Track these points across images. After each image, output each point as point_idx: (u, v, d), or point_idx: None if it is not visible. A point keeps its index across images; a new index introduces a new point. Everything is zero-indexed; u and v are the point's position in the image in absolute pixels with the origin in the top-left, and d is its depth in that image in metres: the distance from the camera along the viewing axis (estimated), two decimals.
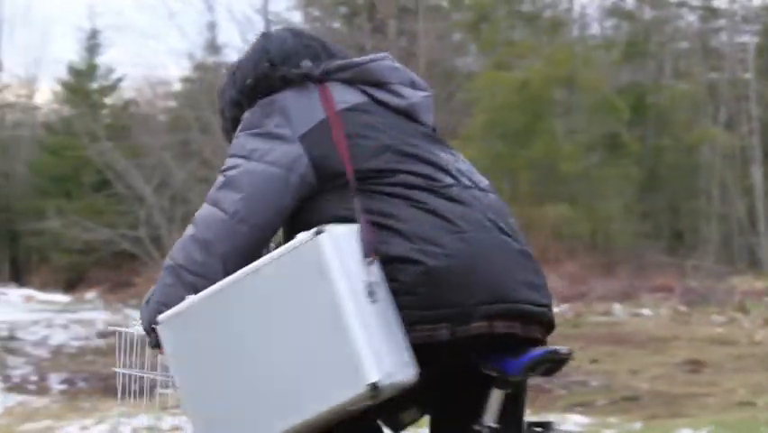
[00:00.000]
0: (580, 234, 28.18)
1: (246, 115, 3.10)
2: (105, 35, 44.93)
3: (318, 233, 2.79)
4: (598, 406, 10.82)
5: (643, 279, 23.94)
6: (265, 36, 3.33)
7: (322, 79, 3.10)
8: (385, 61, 3.20)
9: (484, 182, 3.17)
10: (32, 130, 50.09)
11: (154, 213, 31.10)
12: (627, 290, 22.32)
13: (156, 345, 3.04)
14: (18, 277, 43.77)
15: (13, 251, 43.62)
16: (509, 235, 3.05)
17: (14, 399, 10.06)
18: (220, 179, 3.03)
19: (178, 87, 38.13)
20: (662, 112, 32.42)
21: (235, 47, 40.51)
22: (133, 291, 30.43)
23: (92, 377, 11.39)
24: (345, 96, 3.09)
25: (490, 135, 28.29)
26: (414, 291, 2.89)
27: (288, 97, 3.08)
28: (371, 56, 3.21)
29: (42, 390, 10.75)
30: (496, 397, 2.95)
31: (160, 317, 2.96)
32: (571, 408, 10.50)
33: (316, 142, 3.00)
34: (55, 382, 11.32)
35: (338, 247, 2.82)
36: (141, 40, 44.62)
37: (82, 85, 45.02)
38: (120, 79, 45.03)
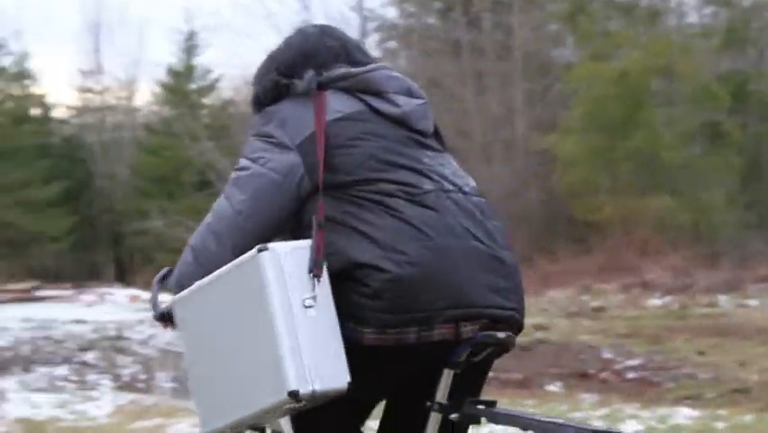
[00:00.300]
0: (682, 225, 27.80)
1: (255, 119, 3.39)
2: (202, 36, 45.34)
3: (261, 250, 3.06)
4: (707, 399, 10.67)
5: (748, 269, 23.56)
6: (293, 34, 3.57)
7: (323, 87, 3.32)
8: (382, 71, 3.40)
9: (469, 185, 3.36)
10: (132, 131, 50.82)
11: None
12: (732, 281, 21.99)
13: (161, 318, 3.44)
14: (123, 277, 44.47)
15: (118, 251, 44.31)
16: (481, 240, 3.22)
17: (125, 397, 10.20)
18: (233, 175, 3.32)
19: None
20: (764, 99, 31.84)
21: None
22: None
23: None
24: (342, 105, 3.30)
25: (589, 127, 28.06)
26: (381, 297, 3.09)
27: (287, 108, 3.33)
28: (371, 66, 3.40)
29: (151, 388, 10.89)
30: (446, 377, 3.19)
31: (175, 298, 3.33)
32: (679, 401, 10.36)
33: (309, 151, 3.23)
34: (163, 380, 11.46)
35: (277, 264, 3.06)
36: (237, 39, 44.75)
37: (181, 86, 45.63)
38: (218, 80, 45.54)
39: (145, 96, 52.62)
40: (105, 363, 12.97)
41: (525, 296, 3.37)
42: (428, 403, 3.23)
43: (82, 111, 50.29)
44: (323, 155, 3.20)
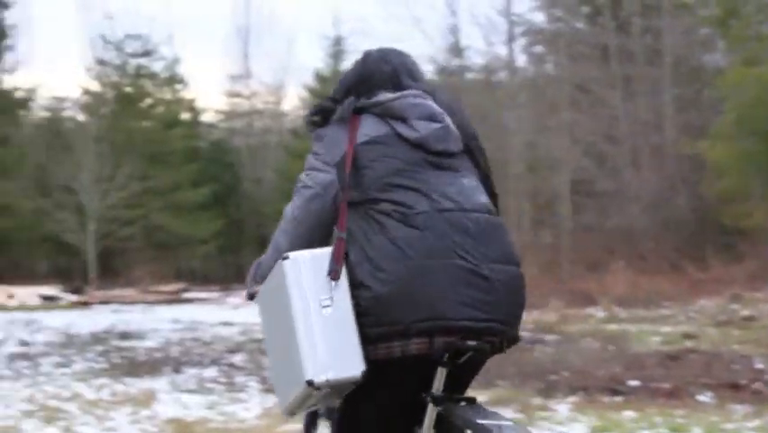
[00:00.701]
0: None
1: (313, 137, 3.89)
2: (349, 41, 45.63)
3: (284, 258, 3.60)
4: None
5: None
6: (360, 57, 4.09)
7: (361, 112, 3.79)
8: (407, 99, 3.79)
9: (473, 202, 3.70)
10: (279, 136, 51.55)
11: None
12: None
13: (250, 298, 3.94)
14: None
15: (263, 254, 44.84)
16: (465, 258, 3.55)
17: (272, 399, 10.27)
18: (297, 183, 3.82)
19: None
20: None
21: (478, 50, 40.66)
22: None
23: None
24: (371, 129, 3.76)
25: (741, 133, 27.38)
26: (368, 313, 3.53)
27: (330, 130, 3.84)
28: (399, 94, 3.81)
29: None
30: (439, 374, 3.59)
31: (258, 288, 3.86)
32: None
33: (342, 170, 3.71)
34: None
35: (296, 270, 3.58)
36: (384, 45, 44.89)
37: (327, 90, 46.02)
38: None
39: (292, 100, 53.39)
40: (252, 366, 13.09)
41: (522, 306, 3.71)
42: (423, 395, 3.63)
43: (230, 115, 51.21)
44: (348, 174, 3.69)
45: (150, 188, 40.93)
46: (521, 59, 36.67)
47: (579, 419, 8.66)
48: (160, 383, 11.37)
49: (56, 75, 69.77)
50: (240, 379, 11.76)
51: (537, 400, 9.66)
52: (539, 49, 36.01)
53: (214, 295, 33.67)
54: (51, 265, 47.94)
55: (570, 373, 10.95)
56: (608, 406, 9.34)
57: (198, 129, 49.86)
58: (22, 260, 48.51)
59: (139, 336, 17.73)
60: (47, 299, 31.81)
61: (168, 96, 48.57)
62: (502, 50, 35.35)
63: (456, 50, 37.41)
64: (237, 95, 50.16)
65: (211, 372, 12.38)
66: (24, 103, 44.78)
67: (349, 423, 3.79)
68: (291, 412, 3.72)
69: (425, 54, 31.27)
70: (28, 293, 32.16)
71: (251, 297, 3.93)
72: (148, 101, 48.21)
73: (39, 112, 47.50)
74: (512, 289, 3.64)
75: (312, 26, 76.43)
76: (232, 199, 45.75)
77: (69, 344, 16.26)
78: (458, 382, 3.72)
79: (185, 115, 49.57)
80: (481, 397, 9.64)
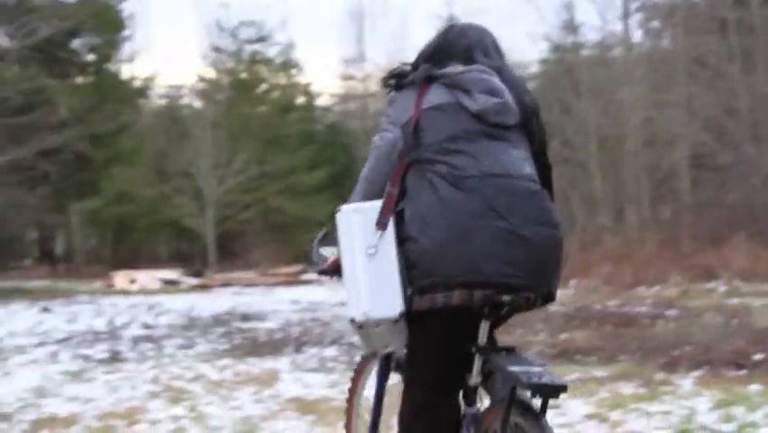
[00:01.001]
0: None
1: (388, 100, 4.32)
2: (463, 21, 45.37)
3: (336, 211, 4.12)
4: None
5: None
6: (442, 27, 4.53)
7: (431, 80, 4.19)
8: (473, 73, 4.16)
9: (522, 172, 4.06)
10: None
11: None
12: None
13: (322, 273, 4.44)
14: None
15: None
16: (508, 220, 3.91)
17: (393, 378, 10.32)
18: (371, 145, 4.28)
19: (536, 68, 38.08)
20: None
21: (593, 26, 40.18)
22: None
23: None
24: (437, 98, 4.15)
25: None
26: (416, 265, 3.97)
27: (402, 95, 4.25)
28: (466, 68, 4.19)
29: None
30: (483, 326, 4.04)
31: (324, 267, 4.42)
32: None
33: (406, 131, 4.14)
34: None
35: (347, 221, 4.10)
36: (497, 24, 44.53)
37: None
38: None
39: None
40: None
41: (558, 266, 4.07)
42: (472, 348, 4.09)
43: (345, 98, 51.40)
44: (410, 135, 4.12)
45: (267, 172, 41.31)
46: (637, 35, 36.17)
47: (702, 393, 8.53)
48: (281, 363, 11.50)
49: (172, 63, 70.72)
50: (360, 358, 11.81)
51: (660, 375, 9.55)
52: (655, 24, 35.42)
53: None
54: (171, 249, 48.72)
55: (693, 348, 10.80)
56: (733, 380, 9.20)
57: (313, 113, 50.18)
58: (143, 245, 49.34)
59: (259, 317, 17.95)
60: (168, 282, 32.33)
61: (283, 81, 48.97)
62: (617, 26, 34.95)
63: (571, 27, 37.00)
64: (351, 78, 50.32)
65: (331, 351, 12.48)
66: (143, 92, 45.52)
67: (409, 369, 4.21)
68: (367, 352, 4.51)
69: (540, 32, 30.93)
70: (149, 277, 32.74)
71: (323, 272, 4.42)
72: (263, 86, 48.65)
73: (157, 100, 48.31)
74: (549, 249, 4.01)
75: (425, 6, 76.09)
76: (347, 181, 45.90)
77: (191, 326, 16.55)
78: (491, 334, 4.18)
79: (300, 100, 49.94)
80: (602, 372, 9.58)
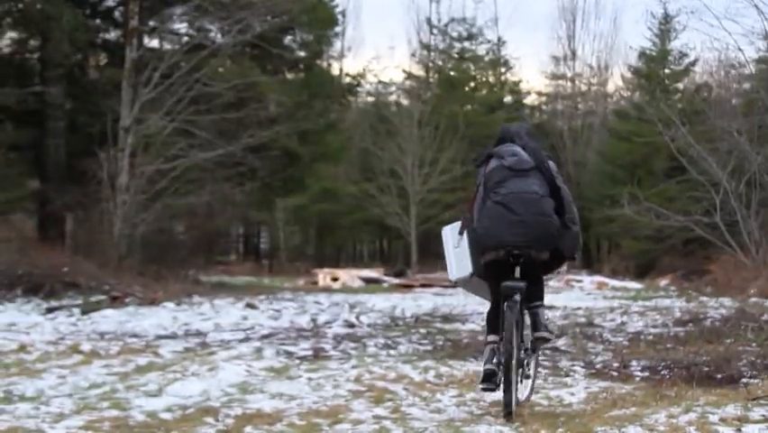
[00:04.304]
0: None
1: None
2: (678, 20, 44.02)
3: (443, 228, 8.38)
4: None
5: None
6: (501, 128, 8.52)
7: (490, 156, 8.13)
8: (504, 147, 8.12)
9: (530, 190, 7.81)
10: (602, 117, 50.72)
11: (729, 198, 30.05)
12: None
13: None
14: (590, 264, 44.41)
15: (584, 238, 44.18)
16: (518, 214, 7.69)
17: (598, 385, 9.84)
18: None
19: (753, 69, 36.60)
20: None
21: None
22: (708, 279, 29.66)
23: (674, 365, 10.97)
24: (493, 163, 8.00)
25: None
26: (479, 241, 7.90)
27: (481, 167, 8.17)
28: (503, 146, 8.12)
29: (624, 377, 10.44)
30: (516, 269, 7.78)
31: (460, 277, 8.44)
32: None
33: (481, 183, 8.12)
34: (636, 369, 10.98)
35: (446, 232, 8.29)
36: (715, 22, 42.96)
37: (653, 70, 44.83)
38: (693, 63, 44.42)
39: (617, 81, 52.32)
40: (576, 350, 12.69)
41: (546, 238, 7.81)
42: (508, 280, 7.77)
43: (554, 97, 50.78)
44: (480, 184, 8.09)
45: (471, 172, 40.98)
46: None
47: None
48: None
49: (381, 60, 71.24)
50: (564, 363, 11.40)
51: None
52: None
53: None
54: (373, 248, 49.05)
55: None
56: None
57: (522, 112, 49.67)
58: (346, 243, 49.87)
59: (461, 319, 17.75)
60: (369, 281, 32.40)
61: (491, 79, 48.66)
62: None
63: None
64: (561, 76, 49.63)
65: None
66: (352, 89, 45.83)
67: (491, 293, 8.11)
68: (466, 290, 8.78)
69: (759, 31, 29.58)
70: (350, 276, 32.88)
71: (455, 283, 8.55)
72: (471, 84, 48.44)
73: (364, 97, 48.64)
74: (540, 226, 7.75)
75: (639, 4, 74.60)
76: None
77: (393, 326, 16.46)
78: (522, 274, 7.81)
79: (507, 98, 49.53)
80: None
